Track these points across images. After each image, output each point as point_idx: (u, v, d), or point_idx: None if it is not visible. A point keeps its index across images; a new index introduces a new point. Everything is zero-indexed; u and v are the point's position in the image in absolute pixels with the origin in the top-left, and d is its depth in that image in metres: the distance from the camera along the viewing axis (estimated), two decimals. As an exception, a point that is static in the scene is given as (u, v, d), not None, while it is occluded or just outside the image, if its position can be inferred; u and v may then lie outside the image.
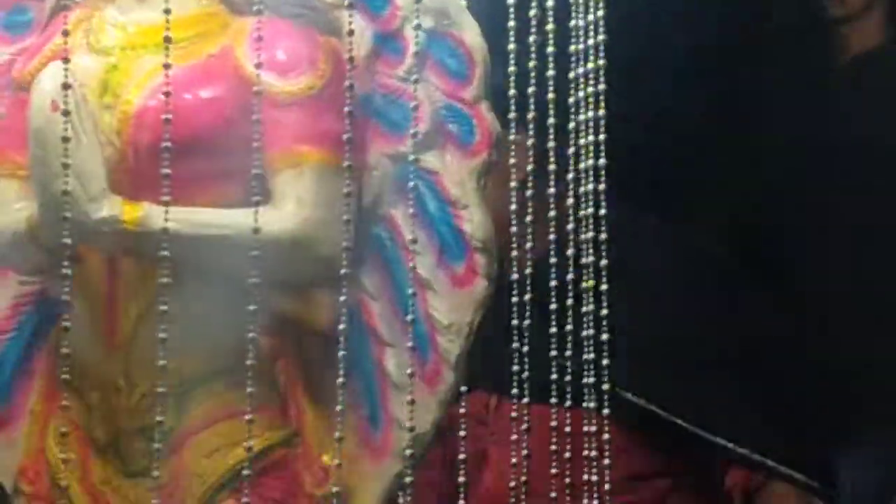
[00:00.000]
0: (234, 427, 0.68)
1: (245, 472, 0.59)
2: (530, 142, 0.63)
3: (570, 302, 0.63)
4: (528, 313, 0.64)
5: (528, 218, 0.62)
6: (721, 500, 1.11)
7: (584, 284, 0.62)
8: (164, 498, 0.67)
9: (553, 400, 0.63)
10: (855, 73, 1.19)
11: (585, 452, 0.63)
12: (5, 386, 0.74)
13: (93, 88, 0.68)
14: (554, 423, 0.63)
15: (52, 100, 0.65)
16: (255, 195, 0.59)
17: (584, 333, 0.62)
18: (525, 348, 0.64)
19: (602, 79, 0.62)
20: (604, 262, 0.61)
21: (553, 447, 0.63)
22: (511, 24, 0.65)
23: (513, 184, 0.64)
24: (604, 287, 0.61)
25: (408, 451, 0.67)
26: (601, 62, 0.62)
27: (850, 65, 1.19)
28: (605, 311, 0.61)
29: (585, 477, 0.63)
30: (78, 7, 0.68)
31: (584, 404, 0.63)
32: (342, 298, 0.60)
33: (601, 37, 0.61)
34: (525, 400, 0.64)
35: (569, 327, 0.62)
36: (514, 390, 0.65)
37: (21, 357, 0.75)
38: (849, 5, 1.19)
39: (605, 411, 0.62)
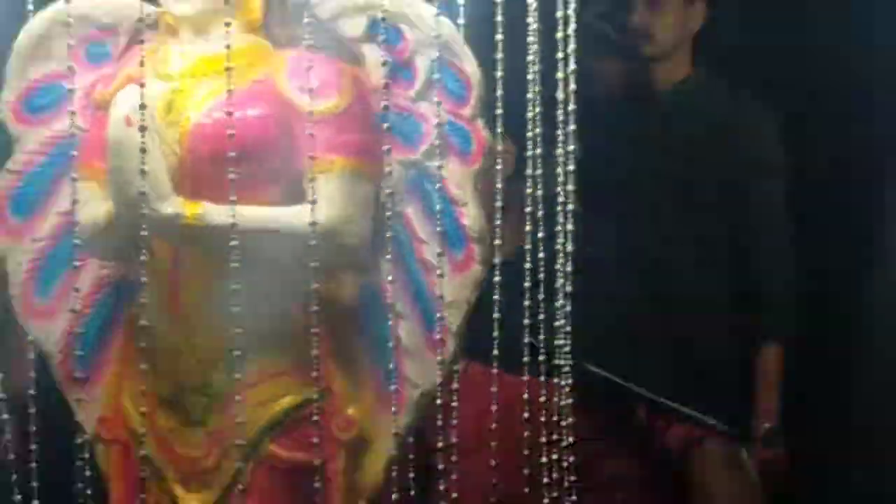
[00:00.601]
0: (278, 384, 0.85)
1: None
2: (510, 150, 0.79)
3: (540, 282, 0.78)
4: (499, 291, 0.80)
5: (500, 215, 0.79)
6: (656, 459, 1.27)
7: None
8: (218, 440, 0.85)
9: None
10: (667, 100, 1.53)
11: (544, 418, 0.78)
12: (88, 353, 0.91)
13: (159, 108, 0.84)
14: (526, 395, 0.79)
15: (127, 116, 0.81)
16: (311, 197, 0.76)
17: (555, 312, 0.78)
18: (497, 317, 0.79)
19: (572, 102, 0.77)
20: (570, 248, 0.76)
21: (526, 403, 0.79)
22: (499, 55, 0.80)
23: (498, 185, 0.80)
24: (569, 269, 0.76)
25: (419, 403, 0.84)
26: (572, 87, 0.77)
27: (663, 93, 1.52)
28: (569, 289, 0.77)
29: (543, 439, 0.78)
30: (148, 41, 0.84)
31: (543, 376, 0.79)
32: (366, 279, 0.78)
33: (571, 67, 0.77)
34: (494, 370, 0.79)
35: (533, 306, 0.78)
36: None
37: (101, 329, 0.92)
38: (659, 45, 1.50)
39: (569, 381, 0.78)
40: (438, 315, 0.85)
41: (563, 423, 0.81)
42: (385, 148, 0.85)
